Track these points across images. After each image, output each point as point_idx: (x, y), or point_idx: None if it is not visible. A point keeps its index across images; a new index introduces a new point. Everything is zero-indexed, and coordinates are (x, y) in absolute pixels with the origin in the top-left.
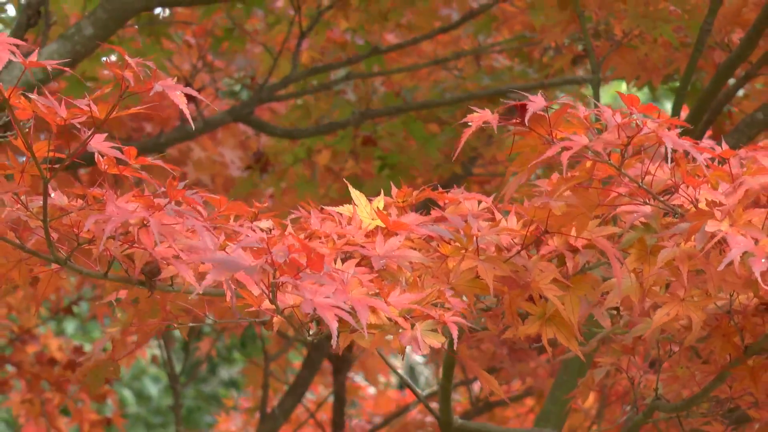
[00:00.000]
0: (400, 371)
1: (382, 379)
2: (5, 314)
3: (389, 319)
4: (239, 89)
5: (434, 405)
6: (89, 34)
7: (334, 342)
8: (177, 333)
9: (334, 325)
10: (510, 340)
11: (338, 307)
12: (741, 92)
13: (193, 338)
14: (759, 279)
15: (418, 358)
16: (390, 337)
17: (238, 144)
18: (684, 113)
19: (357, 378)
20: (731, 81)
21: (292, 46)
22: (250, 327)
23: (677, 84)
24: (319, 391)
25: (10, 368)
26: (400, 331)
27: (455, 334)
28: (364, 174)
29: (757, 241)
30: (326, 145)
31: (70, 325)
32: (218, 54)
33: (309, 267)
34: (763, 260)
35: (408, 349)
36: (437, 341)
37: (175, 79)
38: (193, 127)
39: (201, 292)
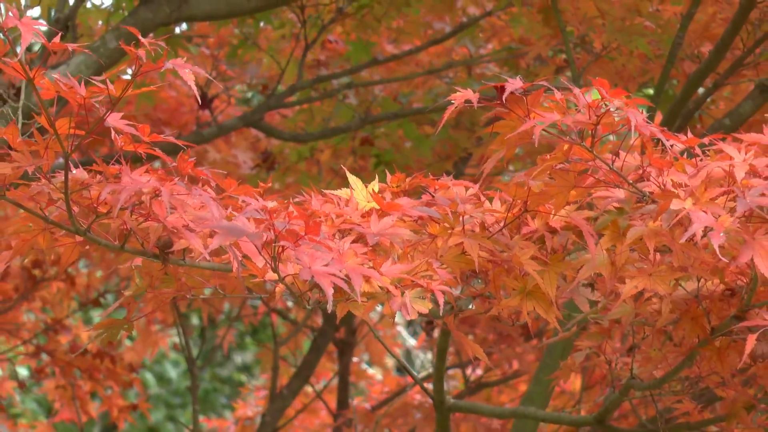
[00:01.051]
0: (398, 355)
1: (388, 361)
2: (40, 307)
3: (381, 288)
4: (251, 95)
5: (430, 386)
6: (113, 47)
7: (329, 307)
8: (194, 321)
9: (329, 291)
10: (498, 327)
11: (334, 275)
12: (709, 100)
13: (209, 327)
14: (716, 250)
15: (414, 343)
16: (380, 306)
17: (250, 146)
18: (658, 119)
19: (364, 365)
20: (701, 90)
21: (297, 54)
22: (263, 316)
23: (651, 92)
24: (330, 377)
25: (44, 356)
26: (391, 298)
27: (441, 300)
28: (362, 170)
29: (717, 217)
30: (328, 145)
31: (96, 313)
32: (231, 64)
33: (307, 233)
34: (721, 234)
35: (405, 334)
36: (424, 308)
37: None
38: (215, 120)
39: (212, 264)
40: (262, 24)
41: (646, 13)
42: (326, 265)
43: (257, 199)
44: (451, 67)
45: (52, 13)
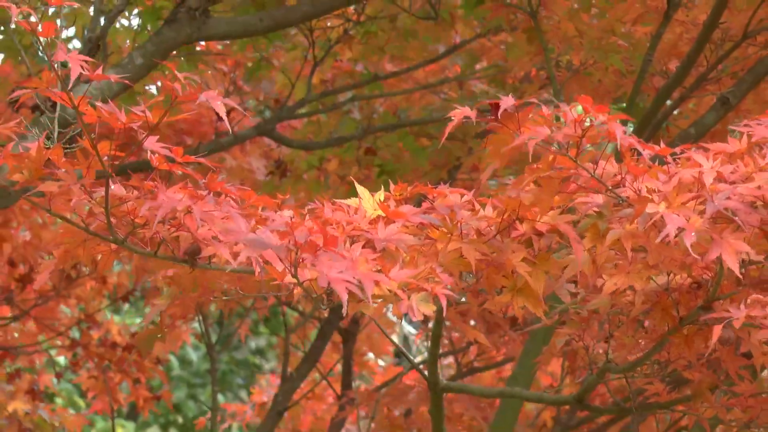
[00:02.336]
0: (396, 341)
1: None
2: (75, 304)
3: (389, 291)
4: (264, 109)
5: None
6: (139, 63)
7: (345, 309)
8: (212, 310)
9: (344, 296)
10: (487, 317)
11: (348, 281)
12: (677, 111)
13: (228, 316)
14: (689, 248)
15: (411, 329)
16: (389, 307)
17: (263, 154)
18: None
19: (369, 356)
20: (669, 102)
21: (307, 72)
22: (274, 305)
23: (624, 105)
24: (335, 361)
25: (79, 350)
26: (399, 300)
27: (444, 303)
28: (366, 178)
29: (688, 219)
30: (335, 155)
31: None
32: (247, 80)
33: (325, 246)
34: (692, 234)
35: (403, 321)
36: (429, 309)
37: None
38: (231, 131)
39: (236, 268)
40: (273, 48)
41: (620, 33)
42: (341, 272)
43: (278, 210)
44: (444, 83)
45: (85, 32)
